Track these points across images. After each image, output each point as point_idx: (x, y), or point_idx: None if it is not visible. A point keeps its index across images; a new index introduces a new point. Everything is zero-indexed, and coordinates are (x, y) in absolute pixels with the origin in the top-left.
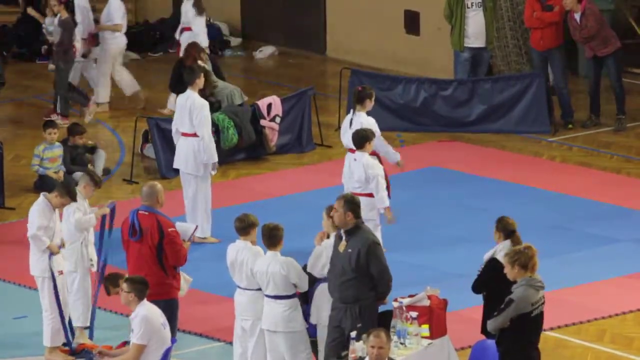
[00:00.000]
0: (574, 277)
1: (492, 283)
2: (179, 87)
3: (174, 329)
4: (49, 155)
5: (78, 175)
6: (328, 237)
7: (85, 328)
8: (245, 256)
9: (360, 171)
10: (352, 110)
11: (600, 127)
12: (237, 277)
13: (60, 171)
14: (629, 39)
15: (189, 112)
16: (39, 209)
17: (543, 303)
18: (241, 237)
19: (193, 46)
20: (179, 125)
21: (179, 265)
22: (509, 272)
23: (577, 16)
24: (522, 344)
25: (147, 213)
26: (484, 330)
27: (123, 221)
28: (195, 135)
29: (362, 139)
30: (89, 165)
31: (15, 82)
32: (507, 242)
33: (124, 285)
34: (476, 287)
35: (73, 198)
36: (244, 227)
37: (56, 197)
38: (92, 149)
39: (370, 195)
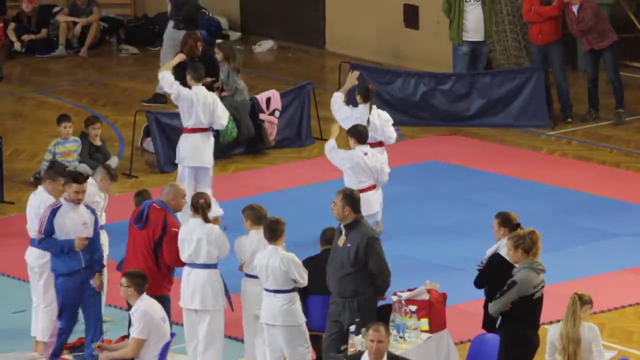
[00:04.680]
0: (572, 271)
1: (494, 278)
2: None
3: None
4: (62, 150)
5: (82, 167)
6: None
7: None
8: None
9: (374, 164)
10: (370, 106)
11: (599, 121)
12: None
13: (71, 166)
14: (628, 32)
15: (203, 106)
16: (43, 201)
17: (543, 287)
18: (256, 227)
19: (190, 36)
20: (186, 121)
21: (172, 266)
22: (512, 255)
23: (574, 9)
24: (524, 328)
25: (158, 207)
26: (485, 325)
27: (135, 209)
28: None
29: (366, 135)
30: None
31: (14, 76)
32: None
33: (123, 280)
34: (479, 282)
35: (62, 174)
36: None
37: (49, 184)
38: (101, 149)
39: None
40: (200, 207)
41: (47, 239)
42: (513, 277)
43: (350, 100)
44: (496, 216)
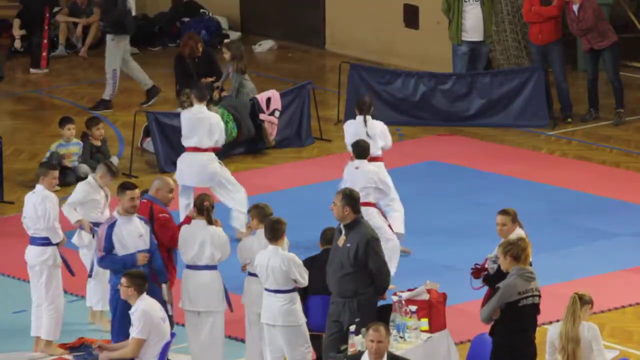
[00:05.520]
0: (572, 271)
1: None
2: (186, 81)
3: (170, 321)
4: (64, 152)
5: (82, 167)
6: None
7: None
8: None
9: (365, 179)
10: (364, 120)
11: (599, 120)
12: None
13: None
14: (628, 33)
15: (204, 126)
16: (46, 198)
17: (534, 295)
18: (262, 225)
19: (191, 37)
20: (186, 140)
21: (171, 246)
22: (502, 262)
23: (575, 8)
24: (510, 335)
25: (146, 200)
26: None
27: None
28: (206, 150)
29: (366, 150)
30: None
31: (14, 76)
32: (521, 231)
33: (123, 280)
34: (490, 281)
35: (53, 168)
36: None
37: (42, 180)
38: (101, 149)
39: (369, 204)
40: (205, 209)
41: (108, 256)
42: (498, 284)
43: (351, 114)
44: (505, 213)
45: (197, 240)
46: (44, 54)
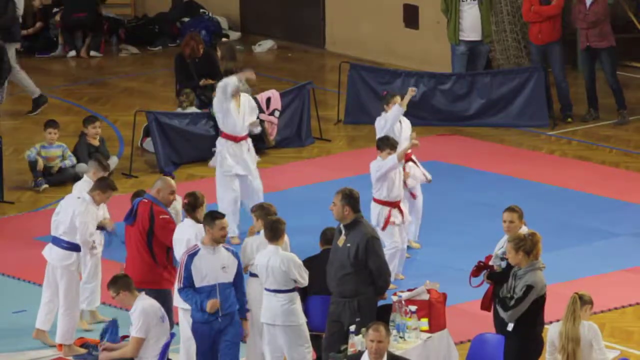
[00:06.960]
0: (572, 271)
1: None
2: (186, 81)
3: (169, 320)
4: (45, 154)
5: (81, 167)
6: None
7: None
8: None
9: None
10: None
11: (599, 120)
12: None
13: (57, 167)
14: (628, 33)
15: None
16: (88, 211)
17: None
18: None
19: (192, 37)
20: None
21: (170, 247)
22: (513, 257)
23: (588, 1)
24: (536, 326)
25: (146, 200)
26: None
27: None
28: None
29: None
30: None
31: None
32: (526, 229)
33: (111, 292)
34: (495, 277)
35: (113, 188)
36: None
37: (98, 195)
38: (100, 149)
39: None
40: (184, 207)
41: (186, 290)
42: (525, 282)
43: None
44: (512, 210)
45: (184, 239)
46: (103, 39)
